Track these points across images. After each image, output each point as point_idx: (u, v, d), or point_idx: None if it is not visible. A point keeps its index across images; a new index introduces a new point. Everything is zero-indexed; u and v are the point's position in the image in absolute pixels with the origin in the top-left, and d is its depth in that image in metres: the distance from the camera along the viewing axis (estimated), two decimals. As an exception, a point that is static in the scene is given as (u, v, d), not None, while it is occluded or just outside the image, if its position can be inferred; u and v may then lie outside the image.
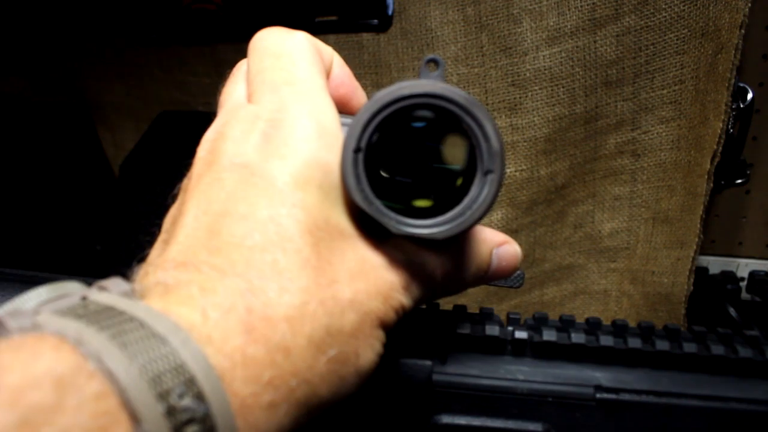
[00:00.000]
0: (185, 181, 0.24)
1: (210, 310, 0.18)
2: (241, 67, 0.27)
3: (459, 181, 0.23)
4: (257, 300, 0.19)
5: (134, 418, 0.15)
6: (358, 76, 0.57)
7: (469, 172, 0.22)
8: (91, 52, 0.64)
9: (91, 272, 0.43)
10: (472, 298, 0.62)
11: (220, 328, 0.18)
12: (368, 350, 0.21)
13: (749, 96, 0.54)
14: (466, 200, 0.21)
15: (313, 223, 0.21)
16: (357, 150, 0.21)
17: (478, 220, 0.21)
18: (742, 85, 0.53)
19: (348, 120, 0.23)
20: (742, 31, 0.47)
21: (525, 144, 0.55)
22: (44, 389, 0.15)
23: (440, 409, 0.32)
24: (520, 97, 0.54)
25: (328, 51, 0.27)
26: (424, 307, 0.36)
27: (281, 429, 0.19)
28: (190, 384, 0.16)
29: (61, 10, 0.61)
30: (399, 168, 0.23)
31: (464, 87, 0.55)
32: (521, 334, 0.33)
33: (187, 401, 0.16)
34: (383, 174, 0.23)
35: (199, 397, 0.16)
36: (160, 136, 0.61)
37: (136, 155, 0.61)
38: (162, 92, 0.64)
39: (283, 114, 0.22)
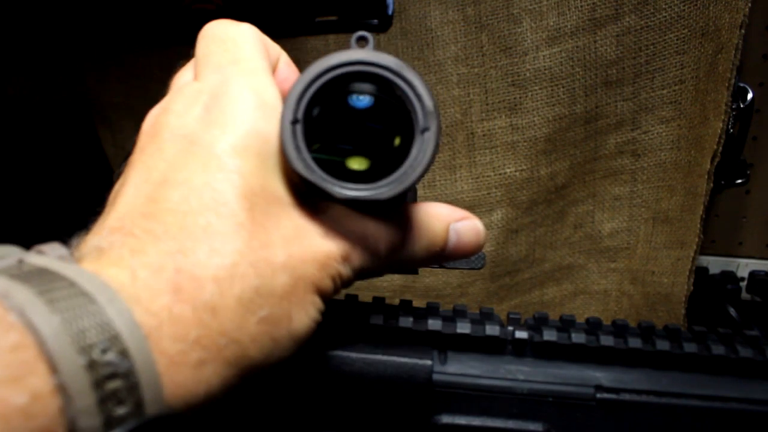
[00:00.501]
0: (130, 158, 0.24)
1: (139, 270, 0.19)
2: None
3: (397, 141, 0.23)
4: (187, 260, 0.19)
5: (52, 369, 0.15)
6: (358, 76, 0.57)
7: (406, 137, 0.22)
8: (91, 53, 0.64)
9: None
10: (472, 298, 0.62)
11: (148, 287, 0.18)
12: (302, 314, 0.21)
13: (749, 96, 0.54)
14: (407, 162, 0.22)
15: (249, 188, 0.21)
16: (295, 121, 0.21)
17: (418, 179, 0.21)
18: (742, 85, 0.53)
19: None
20: (742, 31, 0.47)
21: (525, 144, 0.55)
22: None
23: (440, 409, 0.32)
24: (520, 97, 0.54)
25: (276, 47, 0.28)
26: (423, 307, 0.36)
27: (210, 388, 0.19)
28: (115, 340, 0.17)
29: (62, 11, 0.61)
30: (339, 137, 0.23)
31: (464, 87, 0.55)
32: (521, 334, 0.33)
33: (110, 356, 0.16)
34: (323, 145, 0.23)
35: (123, 353, 0.17)
36: (160, 136, 0.61)
37: (136, 155, 0.61)
38: (162, 92, 0.64)
39: (225, 88, 0.23)
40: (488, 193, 0.57)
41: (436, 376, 0.32)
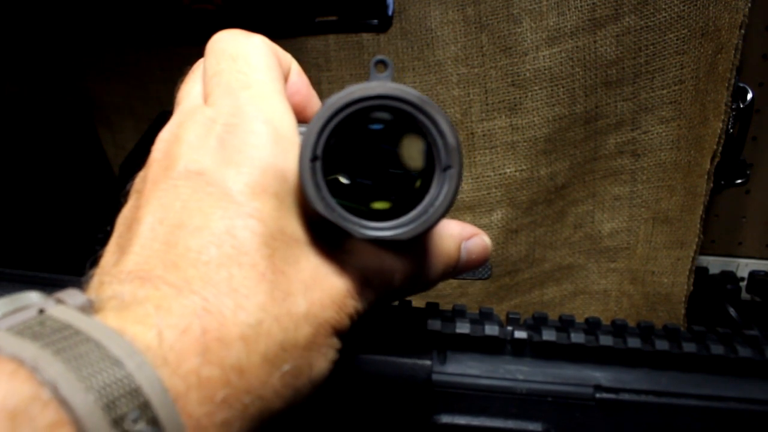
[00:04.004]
0: (139, 182, 0.24)
1: (166, 330, 0.18)
2: (200, 65, 0.26)
3: (418, 182, 0.22)
4: (213, 319, 0.19)
5: None
6: (358, 77, 0.57)
7: (427, 171, 0.22)
8: (91, 52, 0.64)
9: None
10: (472, 298, 0.62)
11: (175, 349, 0.18)
12: (322, 360, 0.22)
13: (749, 96, 0.54)
14: (428, 198, 0.21)
15: (268, 233, 0.21)
16: (314, 159, 0.21)
17: (441, 217, 0.21)
18: (742, 85, 0.53)
19: (304, 128, 0.23)
20: (742, 31, 0.47)
21: (525, 144, 0.55)
22: None
23: (440, 409, 0.32)
24: (520, 97, 0.54)
25: (287, 57, 0.27)
26: (423, 307, 0.36)
27: None
28: (145, 408, 0.17)
29: (62, 10, 0.62)
30: (358, 170, 0.23)
31: (464, 87, 0.55)
32: (521, 334, 0.33)
33: (141, 426, 0.16)
34: (342, 178, 0.23)
35: (154, 421, 0.17)
36: (160, 136, 0.61)
37: (136, 155, 0.61)
38: (162, 92, 0.64)
39: (239, 118, 0.22)
40: (488, 193, 0.57)
41: (436, 376, 0.32)
